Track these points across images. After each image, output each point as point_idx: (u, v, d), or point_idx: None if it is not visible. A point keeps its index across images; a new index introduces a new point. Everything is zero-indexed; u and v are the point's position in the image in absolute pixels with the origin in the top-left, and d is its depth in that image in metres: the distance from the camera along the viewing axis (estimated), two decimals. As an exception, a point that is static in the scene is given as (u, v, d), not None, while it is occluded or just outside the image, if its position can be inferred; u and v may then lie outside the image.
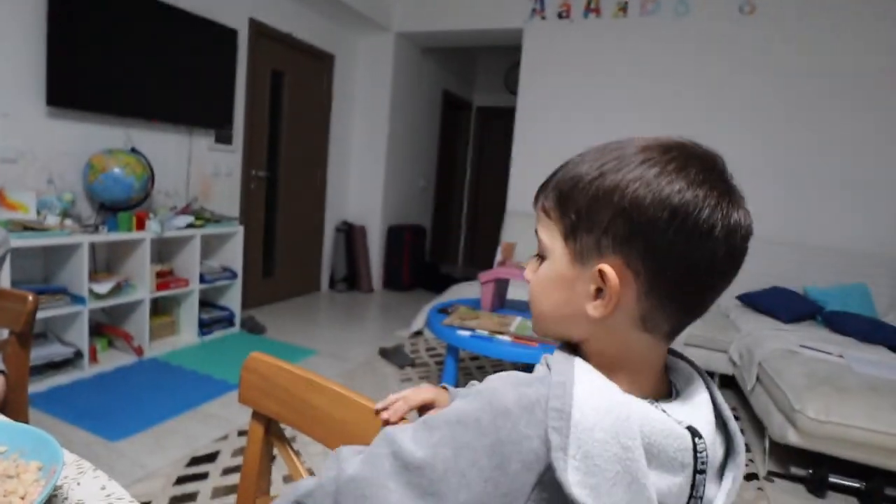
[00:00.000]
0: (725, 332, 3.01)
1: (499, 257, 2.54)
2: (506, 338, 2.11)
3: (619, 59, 4.04)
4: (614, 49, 4.05)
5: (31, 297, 1.18)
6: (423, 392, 0.74)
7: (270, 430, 0.84)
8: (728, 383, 3.14)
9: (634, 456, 0.43)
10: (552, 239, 0.52)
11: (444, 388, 0.77)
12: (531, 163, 4.38)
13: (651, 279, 0.46)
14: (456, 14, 4.55)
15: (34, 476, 0.50)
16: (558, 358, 0.50)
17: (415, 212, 5.81)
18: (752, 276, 3.44)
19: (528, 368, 0.56)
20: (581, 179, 0.49)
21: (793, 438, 2.07)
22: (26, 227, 2.40)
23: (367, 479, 0.49)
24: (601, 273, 0.47)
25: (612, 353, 0.50)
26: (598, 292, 0.48)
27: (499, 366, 3.25)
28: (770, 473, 2.22)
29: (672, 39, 3.89)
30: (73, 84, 2.70)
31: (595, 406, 0.44)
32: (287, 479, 1.83)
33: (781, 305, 3.09)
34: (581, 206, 0.49)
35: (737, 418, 2.72)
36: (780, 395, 2.18)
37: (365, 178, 5.15)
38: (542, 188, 0.54)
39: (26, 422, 1.16)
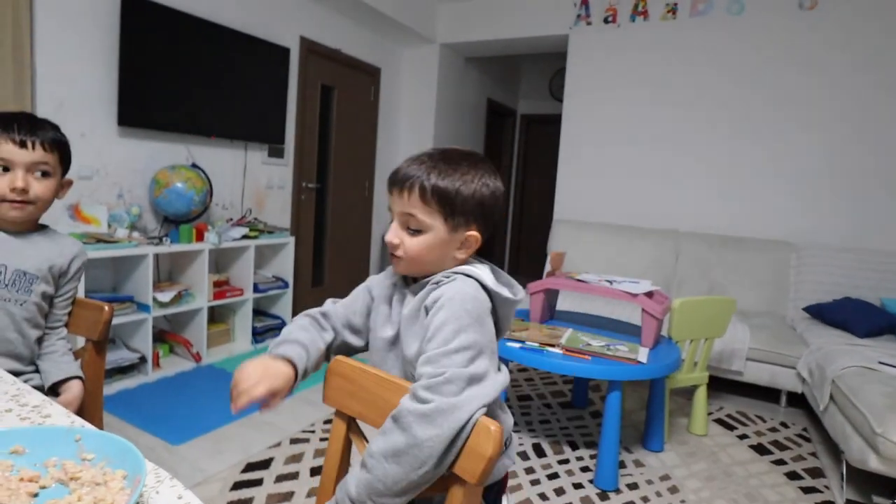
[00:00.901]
0: (793, 346, 2.86)
1: (548, 267, 2.51)
2: (557, 350, 2.09)
3: (669, 62, 3.96)
4: (664, 52, 3.97)
5: (107, 307, 1.25)
6: (265, 384, 0.85)
7: (351, 428, 0.95)
8: (797, 401, 3.01)
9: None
10: (432, 219, 0.87)
11: (287, 359, 0.90)
12: (578, 170, 4.34)
13: (484, 233, 0.92)
14: (500, 23, 4.56)
15: (120, 484, 0.53)
16: (467, 270, 0.90)
17: (461, 221, 5.82)
18: (820, 286, 3.29)
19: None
20: (457, 191, 0.86)
21: (874, 464, 1.92)
22: (99, 240, 2.55)
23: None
24: (470, 236, 0.90)
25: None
26: (461, 245, 0.91)
27: (547, 377, 3.22)
28: (849, 502, 2.08)
29: (726, 40, 3.78)
30: (141, 105, 2.86)
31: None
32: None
33: (855, 318, 2.90)
34: (456, 203, 0.87)
35: (807, 440, 2.60)
36: (858, 417, 2.05)
37: (412, 188, 5.19)
38: (409, 185, 0.87)
39: (101, 424, 1.23)
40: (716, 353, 2.94)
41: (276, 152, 3.84)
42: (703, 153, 3.90)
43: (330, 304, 1.05)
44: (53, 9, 2.52)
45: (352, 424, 0.95)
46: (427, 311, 0.87)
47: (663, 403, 2.38)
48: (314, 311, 1.03)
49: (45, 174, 1.22)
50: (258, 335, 3.44)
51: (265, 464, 2.07)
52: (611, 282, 2.39)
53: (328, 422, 2.46)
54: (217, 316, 3.44)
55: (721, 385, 3.23)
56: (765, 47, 3.67)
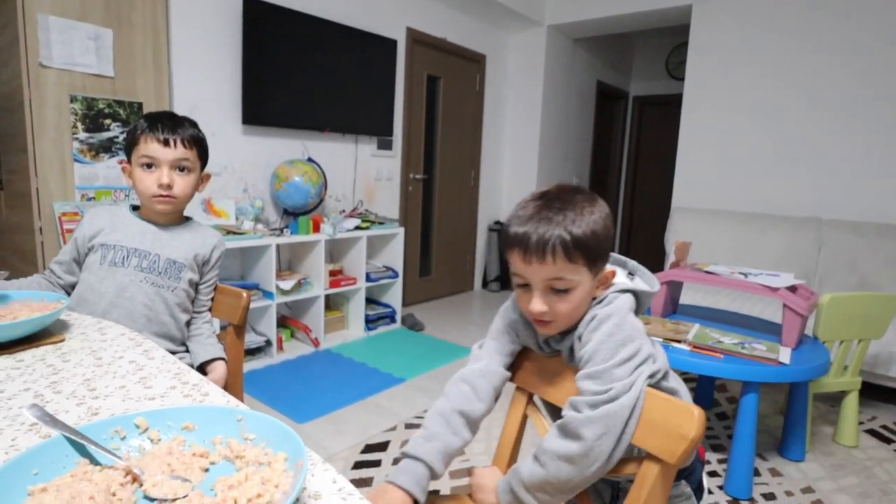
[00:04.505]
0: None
1: (672, 258, 2.35)
2: (683, 346, 1.95)
3: (808, 29, 3.55)
4: (804, 16, 3.57)
5: (245, 294, 1.33)
6: None
7: (528, 403, 1.05)
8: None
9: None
10: (579, 274, 0.83)
11: (410, 495, 0.83)
12: (700, 154, 4.03)
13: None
14: (612, -1, 4.33)
15: (283, 466, 0.54)
16: (617, 288, 0.88)
17: (567, 209, 5.66)
18: None
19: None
20: (594, 234, 0.81)
21: None
22: (228, 231, 2.75)
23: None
24: (608, 273, 0.88)
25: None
26: (599, 284, 0.87)
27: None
28: None
29: (877, 8, 3.32)
30: (262, 104, 3.05)
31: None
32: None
33: None
34: (596, 249, 0.82)
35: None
36: None
37: (517, 177, 5.14)
38: (551, 249, 0.80)
39: (243, 401, 1.31)
40: (870, 356, 2.61)
41: (385, 144, 3.94)
42: (854, 131, 3.46)
43: (480, 366, 0.97)
44: (186, 18, 2.74)
45: (530, 400, 1.04)
46: (580, 339, 0.87)
47: (805, 409, 2.15)
48: (469, 377, 0.96)
49: (187, 170, 1.31)
50: (370, 322, 3.56)
51: (383, 446, 2.13)
52: (745, 274, 2.19)
53: (441, 409, 2.48)
54: (332, 303, 3.60)
55: (875, 392, 2.87)
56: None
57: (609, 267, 0.89)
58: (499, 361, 0.98)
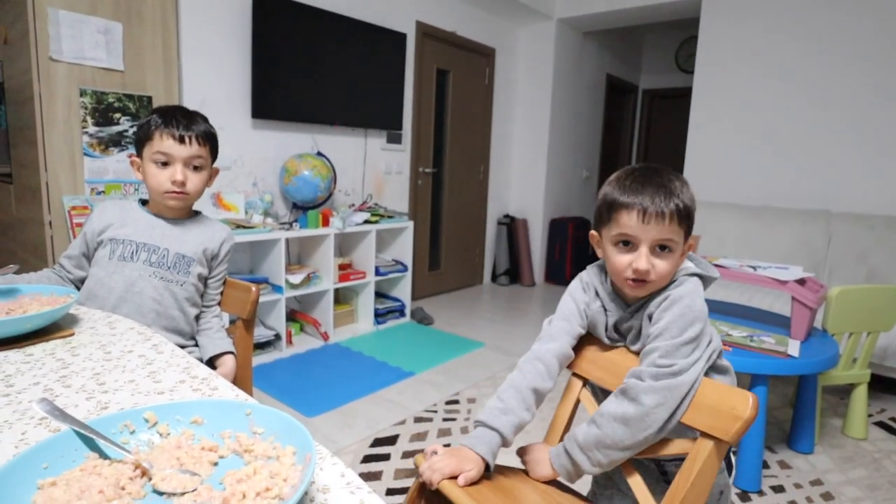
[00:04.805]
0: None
1: (680, 251, 2.33)
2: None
3: (817, 22, 3.50)
4: (811, 11, 3.51)
5: (254, 288, 1.33)
6: (460, 465, 0.89)
7: (583, 390, 1.09)
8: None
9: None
10: (680, 237, 0.92)
11: (484, 460, 0.91)
12: (710, 147, 3.99)
13: None
14: (622, -8, 4.29)
15: (291, 460, 0.54)
16: (688, 271, 0.97)
17: (578, 204, 5.64)
18: None
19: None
20: (692, 203, 0.92)
21: None
22: (238, 225, 2.75)
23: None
24: (692, 240, 0.94)
25: None
26: (684, 252, 0.94)
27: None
28: None
29: (886, 4, 3.27)
30: (271, 98, 3.04)
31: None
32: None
33: None
34: (693, 216, 0.92)
35: None
36: None
37: (527, 170, 5.12)
38: (668, 209, 0.89)
39: (252, 395, 1.31)
40: (879, 348, 2.59)
41: (395, 138, 3.93)
42: (863, 123, 3.42)
43: (555, 346, 1.02)
44: (195, 11, 2.74)
45: (584, 386, 1.09)
46: (650, 318, 0.93)
47: (815, 402, 2.13)
48: (545, 356, 1.01)
49: (199, 168, 1.32)
50: (379, 316, 3.56)
51: (392, 440, 2.14)
52: (755, 267, 2.17)
53: (450, 402, 2.49)
54: (341, 297, 3.60)
55: (884, 385, 2.86)
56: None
57: (694, 237, 0.98)
58: (568, 343, 1.03)
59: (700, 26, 3.98)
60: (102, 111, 2.41)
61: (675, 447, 0.89)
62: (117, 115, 2.46)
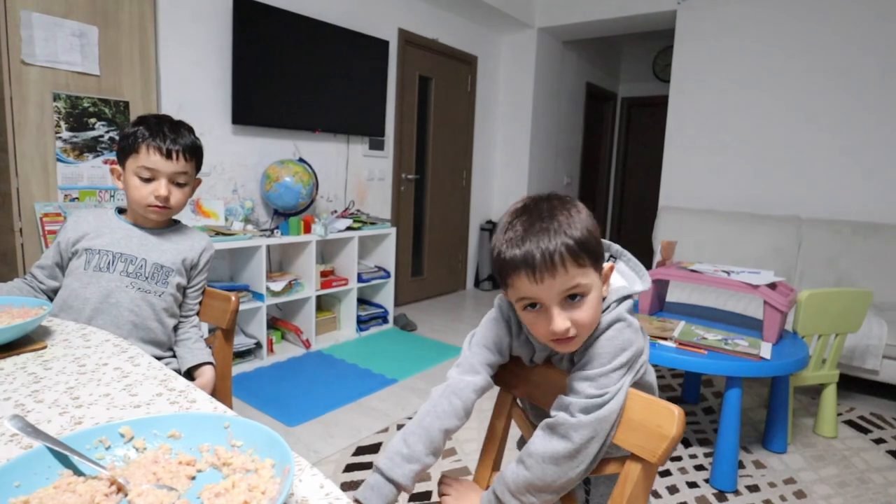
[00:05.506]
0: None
1: (658, 257, 2.37)
2: (669, 343, 1.96)
3: (791, 32, 3.59)
4: (784, 22, 3.61)
5: (233, 298, 1.32)
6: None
7: (513, 405, 1.04)
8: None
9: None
10: (589, 277, 0.79)
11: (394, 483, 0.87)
12: (686, 154, 4.07)
13: None
14: (601, 3, 4.36)
15: (269, 473, 0.54)
16: (618, 295, 0.86)
17: (557, 209, 5.69)
18: None
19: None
20: (590, 232, 0.78)
21: None
22: (217, 233, 2.73)
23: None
24: (608, 268, 0.84)
25: None
26: (603, 283, 0.83)
27: (655, 371, 3.06)
28: None
29: (859, 8, 3.36)
30: (252, 104, 3.02)
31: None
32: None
33: None
34: (595, 245, 0.79)
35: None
36: None
37: (509, 177, 5.15)
38: (559, 259, 0.75)
39: (231, 406, 1.30)
40: (847, 349, 2.66)
41: (377, 145, 3.93)
42: (831, 133, 3.52)
43: (476, 381, 0.94)
44: (174, 16, 2.71)
45: (514, 403, 1.04)
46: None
47: (787, 402, 2.18)
48: (462, 392, 0.93)
49: (183, 184, 1.30)
50: (362, 323, 3.55)
51: (374, 448, 2.13)
52: (728, 272, 2.21)
53: (431, 410, 2.48)
54: (324, 304, 3.58)
55: (852, 384, 2.95)
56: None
57: (609, 265, 0.87)
58: (489, 373, 0.96)
59: (675, 37, 4.07)
60: (77, 116, 2.37)
61: (606, 468, 0.85)
62: (92, 121, 2.42)
